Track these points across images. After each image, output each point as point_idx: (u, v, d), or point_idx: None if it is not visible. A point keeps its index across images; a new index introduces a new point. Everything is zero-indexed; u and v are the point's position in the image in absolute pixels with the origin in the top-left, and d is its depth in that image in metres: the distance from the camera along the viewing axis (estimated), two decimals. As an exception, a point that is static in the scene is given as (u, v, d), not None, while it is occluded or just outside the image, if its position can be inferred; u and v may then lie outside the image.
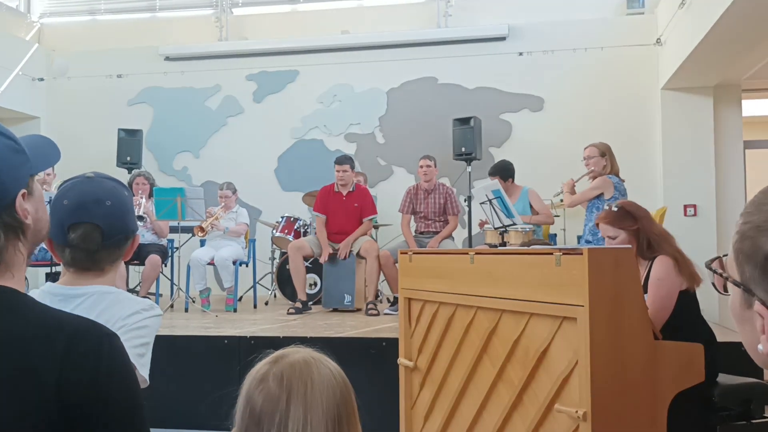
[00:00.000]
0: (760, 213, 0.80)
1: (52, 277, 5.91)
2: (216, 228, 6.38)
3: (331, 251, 6.06)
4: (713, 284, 0.89)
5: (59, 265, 1.65)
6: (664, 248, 3.04)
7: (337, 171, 6.16)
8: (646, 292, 3.02)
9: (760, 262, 0.78)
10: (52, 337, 0.97)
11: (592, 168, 4.99)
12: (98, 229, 1.57)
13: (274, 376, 1.12)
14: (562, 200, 5.72)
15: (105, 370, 0.98)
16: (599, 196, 4.90)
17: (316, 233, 6.29)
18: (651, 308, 2.93)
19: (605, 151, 4.98)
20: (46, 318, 1.00)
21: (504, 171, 5.82)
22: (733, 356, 3.30)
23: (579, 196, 5.03)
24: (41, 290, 1.59)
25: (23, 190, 1.05)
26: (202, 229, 6.18)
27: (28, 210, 1.05)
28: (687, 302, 3.01)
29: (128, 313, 1.60)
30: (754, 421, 2.95)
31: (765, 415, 3.02)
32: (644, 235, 3.07)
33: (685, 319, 2.98)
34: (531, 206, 5.73)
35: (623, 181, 4.98)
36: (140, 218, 6.00)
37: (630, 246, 2.88)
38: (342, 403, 1.13)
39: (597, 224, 3.26)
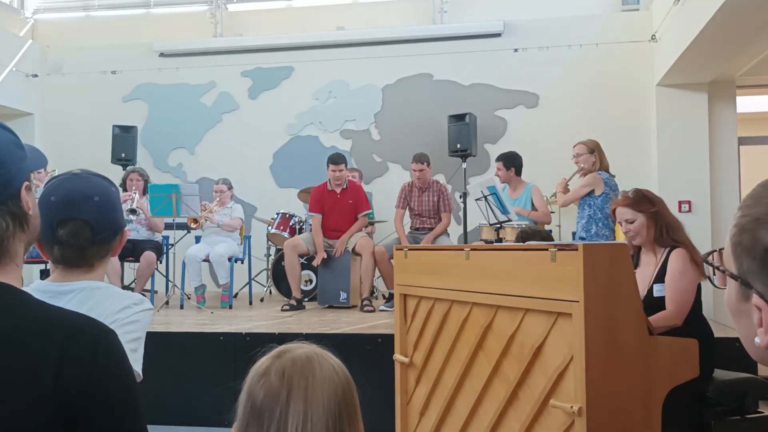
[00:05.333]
0: (759, 206, 0.79)
1: (46, 274, 5.88)
2: (210, 221, 6.37)
3: (326, 256, 6.05)
4: (709, 278, 0.89)
5: (54, 262, 1.64)
6: (679, 237, 3.06)
7: (333, 171, 6.12)
8: (658, 281, 3.04)
9: (759, 254, 0.77)
10: (49, 334, 0.97)
11: (582, 165, 5.04)
12: (88, 225, 1.56)
13: (276, 370, 1.12)
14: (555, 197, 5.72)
15: (102, 366, 0.98)
16: (590, 193, 4.93)
17: (312, 232, 6.28)
18: (676, 301, 2.95)
19: (594, 148, 5.02)
20: (43, 314, 1.00)
21: (509, 159, 5.72)
22: (727, 352, 3.32)
23: (571, 195, 5.07)
24: (30, 288, 1.56)
25: (26, 183, 1.08)
26: (195, 221, 6.17)
27: (29, 203, 1.08)
28: (696, 297, 3.04)
29: (119, 308, 1.59)
30: (748, 416, 2.96)
31: (759, 410, 3.04)
32: (661, 220, 3.08)
33: (690, 314, 2.99)
34: (532, 203, 5.71)
35: (613, 176, 5.01)
36: (133, 211, 5.98)
37: (625, 243, 2.88)
38: (343, 400, 1.12)
39: (613, 211, 3.26)
